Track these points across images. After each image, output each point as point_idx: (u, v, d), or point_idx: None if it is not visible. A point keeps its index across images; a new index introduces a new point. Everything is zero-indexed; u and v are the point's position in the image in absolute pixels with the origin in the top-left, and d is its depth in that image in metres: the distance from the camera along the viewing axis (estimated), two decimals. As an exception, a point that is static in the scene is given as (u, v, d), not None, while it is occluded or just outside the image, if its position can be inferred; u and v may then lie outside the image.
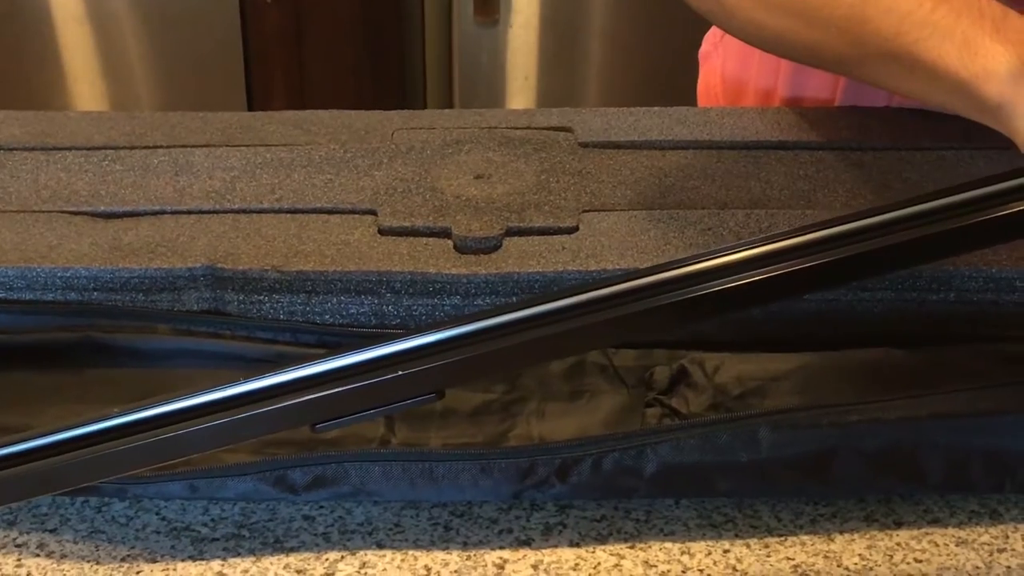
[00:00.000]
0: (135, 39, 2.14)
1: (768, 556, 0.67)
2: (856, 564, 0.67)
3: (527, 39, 2.14)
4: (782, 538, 0.68)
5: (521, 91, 2.18)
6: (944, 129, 0.90)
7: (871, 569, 0.67)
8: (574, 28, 2.12)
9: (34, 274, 0.77)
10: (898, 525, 0.69)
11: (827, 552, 0.68)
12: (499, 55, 2.15)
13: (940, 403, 0.68)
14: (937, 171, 0.87)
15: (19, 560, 0.67)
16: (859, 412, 0.68)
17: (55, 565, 0.67)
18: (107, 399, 0.74)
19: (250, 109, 2.19)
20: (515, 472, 0.68)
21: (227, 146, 0.90)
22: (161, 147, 0.90)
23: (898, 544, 0.68)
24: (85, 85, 2.17)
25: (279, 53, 2.22)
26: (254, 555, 0.67)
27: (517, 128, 0.92)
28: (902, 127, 0.92)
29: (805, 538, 0.69)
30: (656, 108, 0.95)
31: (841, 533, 0.69)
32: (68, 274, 0.77)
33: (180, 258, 0.78)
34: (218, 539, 0.68)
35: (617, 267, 0.77)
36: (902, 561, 0.67)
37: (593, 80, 2.17)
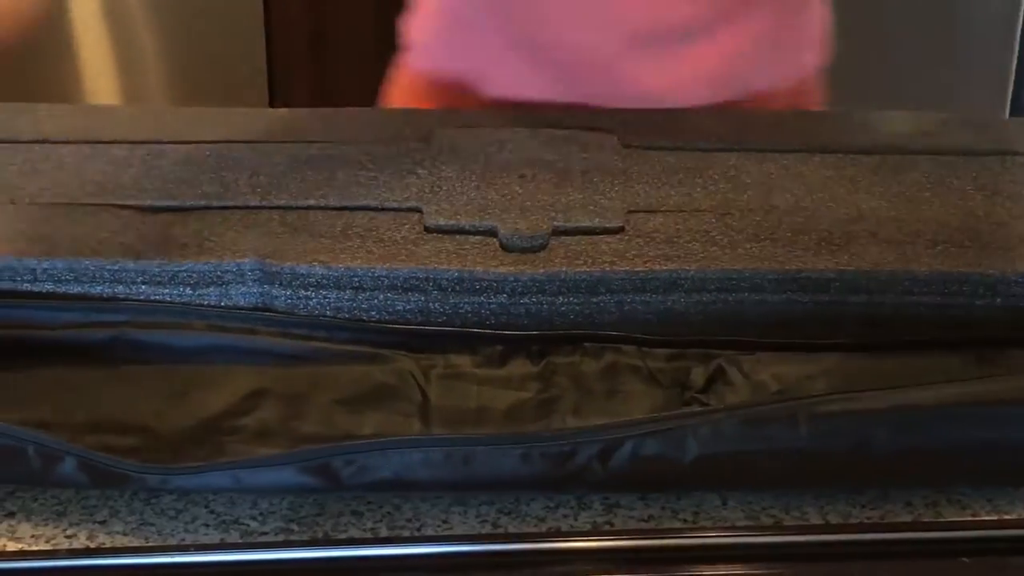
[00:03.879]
0: (152, 35, 2.14)
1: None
2: (904, 567, 0.67)
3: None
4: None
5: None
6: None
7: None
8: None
9: (83, 267, 0.77)
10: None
11: (875, 555, 0.68)
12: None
13: (981, 389, 0.69)
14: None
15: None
16: (897, 397, 0.68)
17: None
18: (139, 395, 0.75)
19: (271, 107, 2.19)
20: (556, 457, 0.68)
21: (270, 142, 0.91)
22: (205, 142, 0.91)
23: (945, 548, 0.68)
24: (101, 81, 2.18)
25: (301, 51, 2.23)
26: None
27: (560, 128, 0.93)
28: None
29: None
30: (699, 109, 0.96)
31: (888, 536, 0.69)
32: (116, 267, 0.77)
33: (228, 253, 0.78)
34: (267, 532, 0.69)
35: (664, 268, 0.77)
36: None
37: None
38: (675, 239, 0.79)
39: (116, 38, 2.15)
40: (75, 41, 2.15)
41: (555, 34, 1.01)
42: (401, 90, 1.11)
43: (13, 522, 0.69)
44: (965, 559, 0.67)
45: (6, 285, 0.78)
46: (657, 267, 0.77)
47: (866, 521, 0.70)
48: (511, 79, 1.04)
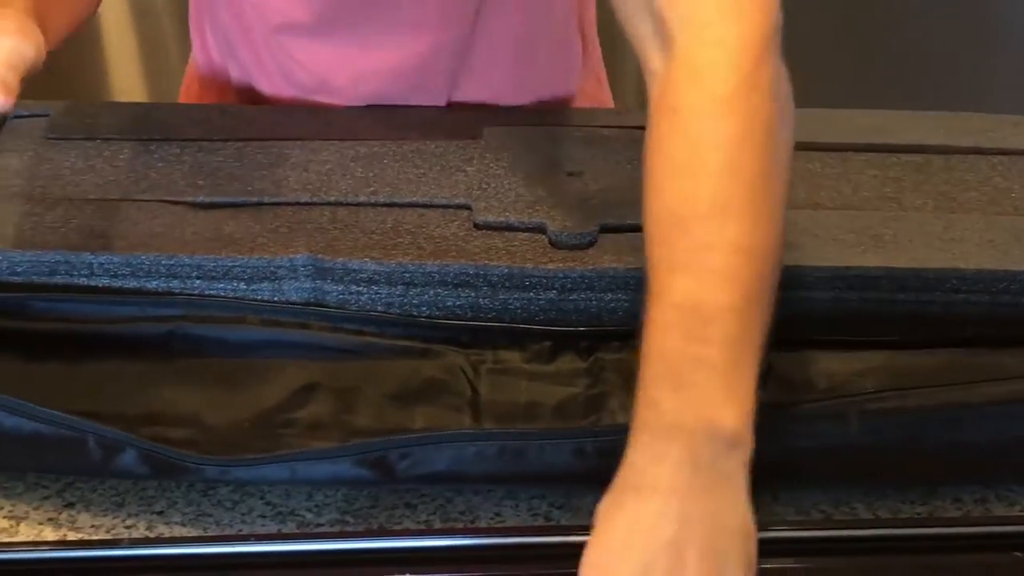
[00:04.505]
0: (175, 32, 2.15)
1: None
2: (953, 562, 0.68)
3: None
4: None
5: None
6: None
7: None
8: (611, 28, 2.12)
9: (139, 261, 0.78)
10: (994, 525, 0.70)
11: (924, 550, 0.68)
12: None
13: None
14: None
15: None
16: (947, 395, 0.69)
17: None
18: (194, 388, 0.76)
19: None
20: (609, 452, 0.68)
21: (319, 140, 0.92)
22: (254, 140, 0.92)
23: (994, 544, 0.69)
24: (127, 79, 2.19)
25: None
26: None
27: (605, 127, 0.93)
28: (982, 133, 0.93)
29: (902, 536, 0.69)
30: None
31: (937, 532, 0.70)
32: (172, 262, 0.78)
33: (282, 248, 0.79)
34: (323, 524, 0.70)
35: (713, 265, 0.77)
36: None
37: (629, 81, 2.18)
38: (723, 236, 0.80)
39: (143, 36, 2.16)
40: (102, 38, 2.16)
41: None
42: (187, 89, 1.11)
43: (73, 512, 0.70)
44: (1019, 553, 0.67)
45: (63, 279, 0.79)
46: (706, 264, 0.77)
47: (915, 516, 0.71)
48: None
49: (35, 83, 0.81)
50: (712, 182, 0.64)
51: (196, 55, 1.08)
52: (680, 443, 0.59)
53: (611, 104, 1.12)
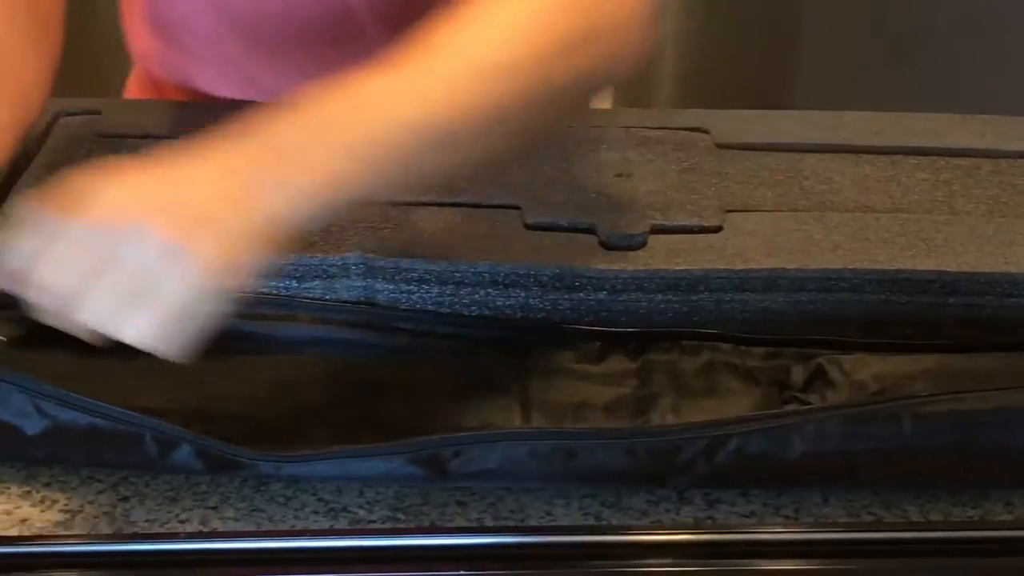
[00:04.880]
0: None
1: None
2: (1005, 567, 0.68)
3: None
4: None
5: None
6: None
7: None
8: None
9: (192, 259, 0.79)
10: (1046, 529, 0.70)
11: (975, 554, 0.68)
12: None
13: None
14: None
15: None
16: (1001, 398, 0.69)
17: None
18: (246, 385, 0.76)
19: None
20: (662, 453, 0.69)
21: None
22: (305, 139, 0.92)
23: (1046, 548, 0.69)
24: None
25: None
26: (411, 538, 0.69)
27: (654, 128, 0.94)
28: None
29: (954, 539, 0.69)
30: (790, 111, 0.97)
31: (989, 536, 0.70)
32: (224, 260, 0.79)
33: (334, 247, 0.80)
34: (374, 520, 0.70)
35: (763, 267, 0.78)
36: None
37: (664, 83, 2.18)
38: (773, 238, 0.80)
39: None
40: (121, 34, 2.17)
41: None
42: (132, 90, 1.12)
43: (127, 506, 0.71)
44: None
45: (117, 276, 0.80)
46: (756, 266, 0.78)
47: (967, 519, 0.70)
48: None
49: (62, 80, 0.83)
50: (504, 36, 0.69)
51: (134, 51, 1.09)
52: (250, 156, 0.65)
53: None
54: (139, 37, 1.07)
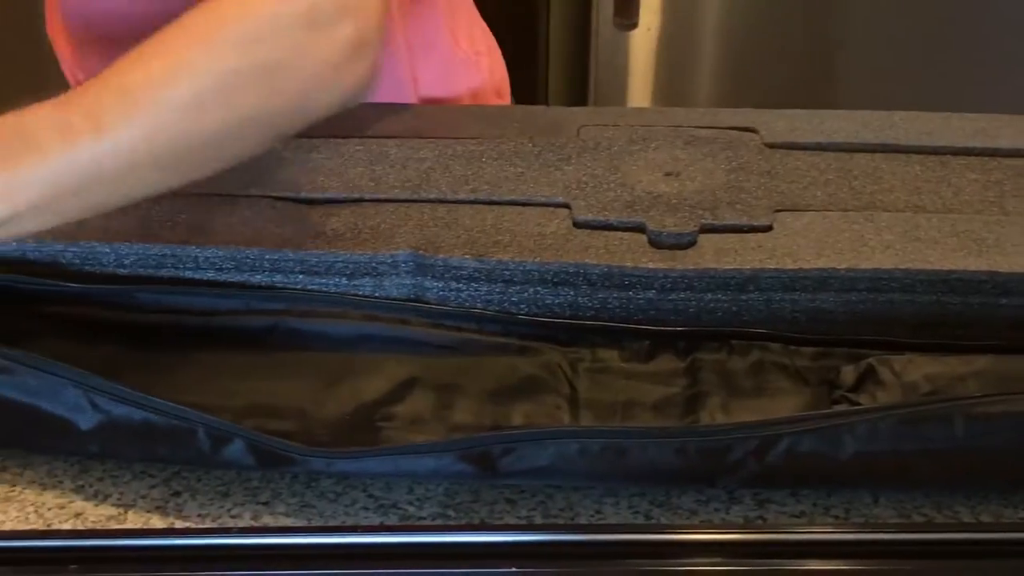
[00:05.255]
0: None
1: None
2: (1058, 569, 0.67)
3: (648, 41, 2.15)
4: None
5: (639, 92, 2.19)
6: None
7: (1073, 575, 0.67)
8: (690, 30, 2.12)
9: (243, 256, 0.80)
10: (1099, 532, 0.69)
11: (1028, 556, 0.68)
12: (628, 58, 2.16)
13: None
14: None
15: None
16: None
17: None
18: (296, 381, 0.77)
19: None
20: (712, 452, 0.69)
21: (418, 138, 0.93)
22: (354, 137, 0.93)
23: (1100, 551, 0.68)
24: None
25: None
26: (461, 534, 0.69)
27: (702, 127, 0.94)
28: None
29: (1006, 541, 0.69)
30: (839, 111, 0.96)
31: (1041, 538, 0.69)
32: (276, 256, 0.80)
33: (384, 244, 0.80)
34: (424, 517, 0.70)
35: (814, 267, 0.77)
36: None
37: (706, 82, 2.18)
38: (824, 238, 0.80)
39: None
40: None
41: None
42: None
43: (179, 501, 0.71)
44: None
45: (169, 272, 0.80)
46: (807, 266, 0.78)
47: (1018, 521, 0.70)
48: None
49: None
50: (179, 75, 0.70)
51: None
52: None
53: None
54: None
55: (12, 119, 0.69)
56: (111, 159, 0.69)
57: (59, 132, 0.68)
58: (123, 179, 0.70)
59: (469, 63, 1.08)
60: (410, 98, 1.07)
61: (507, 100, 1.16)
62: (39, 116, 0.69)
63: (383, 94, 1.00)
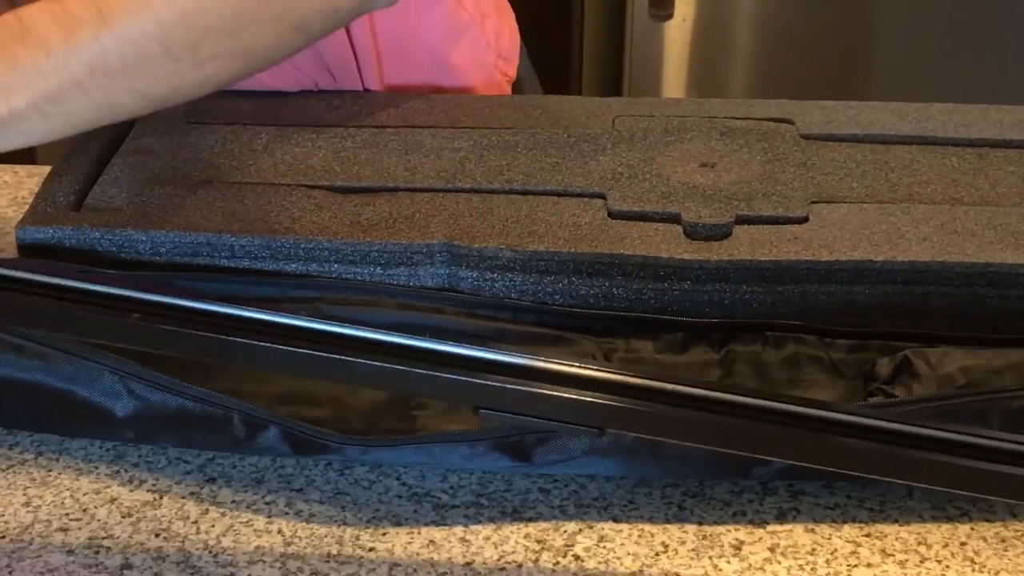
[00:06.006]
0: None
1: (1006, 551, 0.67)
2: (1094, 564, 0.67)
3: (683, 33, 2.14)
4: (1019, 533, 0.68)
5: (673, 84, 2.19)
6: None
7: (1109, 570, 0.67)
8: (724, 21, 2.12)
9: (278, 244, 0.80)
10: None
11: (1064, 550, 0.68)
12: (663, 49, 2.16)
13: None
14: None
15: (269, 518, 0.70)
16: None
17: (304, 524, 0.69)
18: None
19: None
20: None
21: (452, 128, 0.93)
22: (389, 127, 0.93)
23: None
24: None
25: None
26: (494, 523, 0.69)
27: (737, 118, 0.93)
28: None
29: (1042, 535, 0.69)
30: (876, 103, 0.96)
31: (1078, 532, 0.69)
32: (311, 245, 0.80)
33: (419, 234, 0.80)
34: (458, 506, 0.71)
35: (850, 259, 0.77)
36: None
37: (740, 73, 2.17)
38: (860, 230, 0.80)
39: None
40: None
41: None
42: None
43: (215, 487, 0.72)
44: None
45: (205, 260, 0.81)
46: (843, 258, 0.77)
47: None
48: None
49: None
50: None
51: None
52: None
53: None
54: None
55: (9, 17, 0.66)
56: (118, 48, 0.65)
57: (60, 24, 0.65)
58: (133, 71, 0.67)
59: (473, 24, 1.06)
60: (413, 52, 1.05)
61: (514, 65, 1.13)
62: (37, 10, 0.65)
63: (384, 45, 1.01)
